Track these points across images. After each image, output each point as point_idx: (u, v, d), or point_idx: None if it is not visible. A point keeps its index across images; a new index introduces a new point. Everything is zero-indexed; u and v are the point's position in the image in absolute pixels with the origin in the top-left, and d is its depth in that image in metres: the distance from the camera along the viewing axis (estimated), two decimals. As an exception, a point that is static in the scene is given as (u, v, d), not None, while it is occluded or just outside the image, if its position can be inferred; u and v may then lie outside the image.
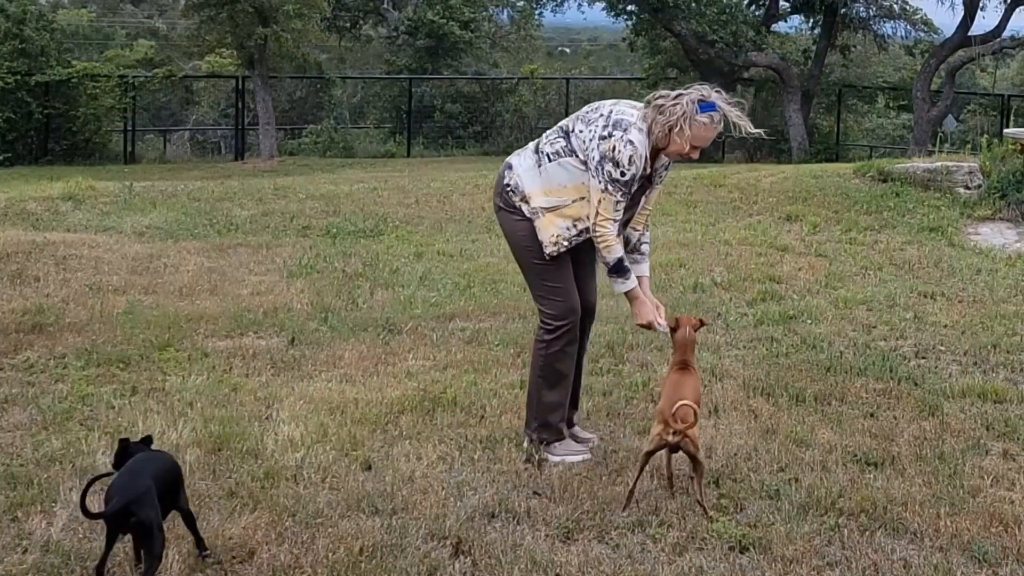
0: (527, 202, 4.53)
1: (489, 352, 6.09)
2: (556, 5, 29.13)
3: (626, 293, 4.52)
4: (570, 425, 4.80)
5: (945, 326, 6.87)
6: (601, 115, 4.42)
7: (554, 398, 4.65)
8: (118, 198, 11.26)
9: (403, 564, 3.62)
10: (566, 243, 4.51)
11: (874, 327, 6.82)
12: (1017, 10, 23.04)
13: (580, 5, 27.39)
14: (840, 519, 4.04)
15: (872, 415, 5.20)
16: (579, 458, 4.59)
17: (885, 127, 28.26)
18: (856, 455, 4.66)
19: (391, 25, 30.68)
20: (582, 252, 4.61)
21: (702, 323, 4.52)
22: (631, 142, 4.33)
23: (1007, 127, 15.92)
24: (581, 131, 4.43)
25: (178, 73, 26.38)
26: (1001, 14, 23.16)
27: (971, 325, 6.89)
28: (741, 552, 3.80)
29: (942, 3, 24.19)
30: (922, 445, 4.79)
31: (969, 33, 23.10)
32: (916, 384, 5.65)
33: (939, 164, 11.76)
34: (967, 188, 11.25)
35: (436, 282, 7.82)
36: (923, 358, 6.20)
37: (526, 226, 4.55)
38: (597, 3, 26.20)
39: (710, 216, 10.77)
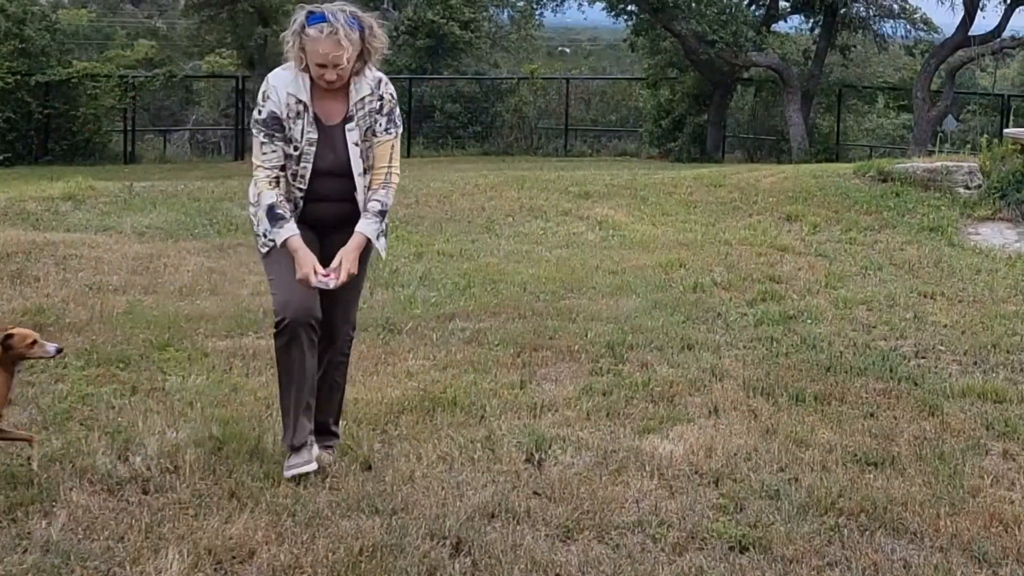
0: (254, 204, 4.29)
1: (489, 352, 6.09)
2: (556, 5, 29.14)
3: (287, 244, 4.12)
4: (319, 432, 4.47)
5: (945, 326, 6.87)
6: None
7: (284, 400, 4.34)
8: (118, 198, 11.26)
9: (403, 564, 3.62)
10: None
11: (874, 327, 6.82)
12: (1017, 10, 23.04)
13: (580, 5, 27.40)
14: (840, 519, 4.04)
15: (872, 415, 5.20)
16: (296, 471, 4.23)
17: (885, 127, 28.26)
18: (856, 455, 4.66)
19: (391, 25, 30.70)
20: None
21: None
22: (267, 79, 4.17)
23: (1007, 127, 15.91)
24: None
25: (178, 73, 26.42)
26: (1001, 14, 23.17)
27: (971, 325, 6.89)
28: (741, 552, 3.80)
29: (942, 3, 24.22)
30: (922, 445, 4.79)
31: (969, 33, 23.10)
32: (916, 384, 5.65)
33: (939, 164, 11.75)
34: (967, 188, 11.25)
35: (436, 282, 7.82)
36: (923, 358, 6.20)
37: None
38: (597, 3, 26.22)
39: (710, 216, 10.77)
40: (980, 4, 23.11)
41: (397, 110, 4.31)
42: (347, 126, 4.21)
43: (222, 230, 9.93)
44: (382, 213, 4.26)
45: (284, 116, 4.14)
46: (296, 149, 4.18)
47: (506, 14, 35.00)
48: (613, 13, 25.51)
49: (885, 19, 25.45)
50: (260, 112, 4.16)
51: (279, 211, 4.13)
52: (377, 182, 4.27)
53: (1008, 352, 6.29)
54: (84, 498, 4.03)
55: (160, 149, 26.93)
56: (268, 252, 4.26)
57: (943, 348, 6.39)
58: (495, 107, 27.52)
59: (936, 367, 6.01)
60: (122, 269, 8.04)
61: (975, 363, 6.11)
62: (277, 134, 4.15)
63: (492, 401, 5.22)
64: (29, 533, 3.77)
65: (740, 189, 11.90)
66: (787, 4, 25.92)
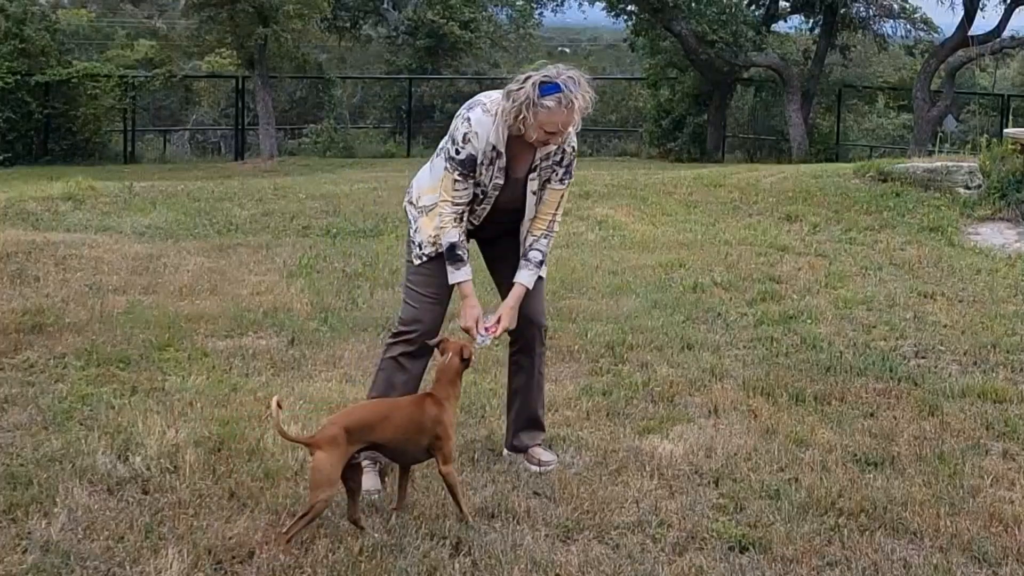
0: (415, 204, 4.39)
1: (489, 352, 6.06)
2: (556, 5, 29.17)
3: (458, 286, 4.27)
4: (523, 449, 4.54)
5: (945, 326, 6.86)
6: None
7: None
8: (118, 198, 11.27)
9: (403, 564, 3.62)
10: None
11: (874, 327, 6.82)
12: (1017, 10, 23.04)
13: (580, 5, 27.43)
14: (840, 519, 4.04)
15: (872, 415, 5.20)
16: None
17: (885, 127, 28.25)
18: (856, 455, 4.66)
19: (391, 25, 30.71)
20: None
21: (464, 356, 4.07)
22: (468, 119, 4.14)
23: (1007, 127, 15.91)
24: None
25: (178, 73, 26.41)
26: (1001, 14, 23.18)
27: (971, 325, 6.89)
28: (741, 552, 3.80)
29: (942, 3, 24.22)
30: (922, 445, 4.79)
31: (969, 33, 23.10)
32: (916, 384, 5.65)
33: (939, 164, 11.75)
34: (967, 188, 11.25)
35: (436, 282, 7.81)
36: (923, 358, 6.20)
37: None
38: (597, 3, 26.23)
39: (710, 216, 10.77)
40: (980, 4, 23.13)
41: (575, 162, 4.37)
42: (529, 176, 4.27)
43: (222, 230, 9.94)
44: (542, 263, 4.37)
45: (479, 161, 4.17)
46: (483, 193, 4.24)
47: (506, 14, 35.02)
48: (613, 13, 25.51)
49: (885, 19, 25.45)
50: (459, 152, 4.14)
51: (459, 252, 4.22)
52: (539, 229, 4.35)
53: (1008, 352, 6.29)
54: (84, 498, 4.02)
55: (160, 149, 26.92)
56: (420, 264, 4.34)
57: (943, 348, 6.39)
58: (495, 107, 27.51)
59: (936, 367, 6.01)
60: (122, 269, 8.04)
61: (975, 363, 6.11)
62: (471, 174, 4.18)
63: (492, 401, 5.22)
64: (29, 533, 3.77)
65: (740, 189, 11.90)
66: (787, 4, 25.91)
